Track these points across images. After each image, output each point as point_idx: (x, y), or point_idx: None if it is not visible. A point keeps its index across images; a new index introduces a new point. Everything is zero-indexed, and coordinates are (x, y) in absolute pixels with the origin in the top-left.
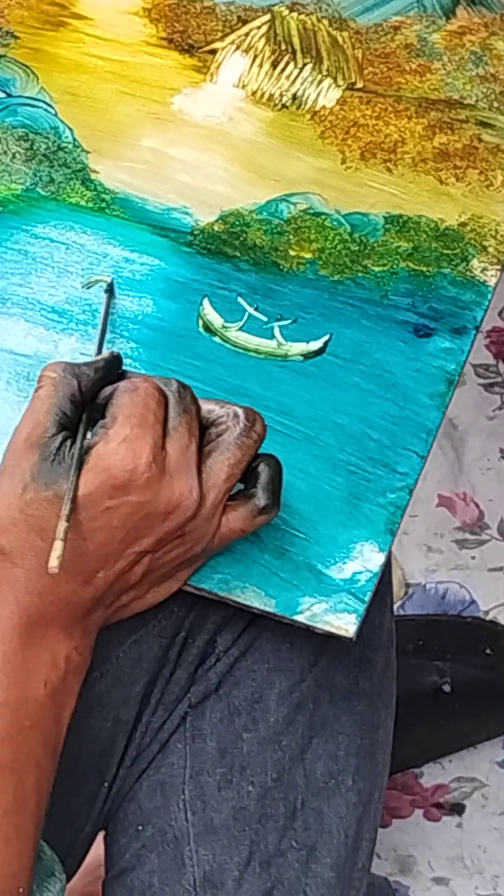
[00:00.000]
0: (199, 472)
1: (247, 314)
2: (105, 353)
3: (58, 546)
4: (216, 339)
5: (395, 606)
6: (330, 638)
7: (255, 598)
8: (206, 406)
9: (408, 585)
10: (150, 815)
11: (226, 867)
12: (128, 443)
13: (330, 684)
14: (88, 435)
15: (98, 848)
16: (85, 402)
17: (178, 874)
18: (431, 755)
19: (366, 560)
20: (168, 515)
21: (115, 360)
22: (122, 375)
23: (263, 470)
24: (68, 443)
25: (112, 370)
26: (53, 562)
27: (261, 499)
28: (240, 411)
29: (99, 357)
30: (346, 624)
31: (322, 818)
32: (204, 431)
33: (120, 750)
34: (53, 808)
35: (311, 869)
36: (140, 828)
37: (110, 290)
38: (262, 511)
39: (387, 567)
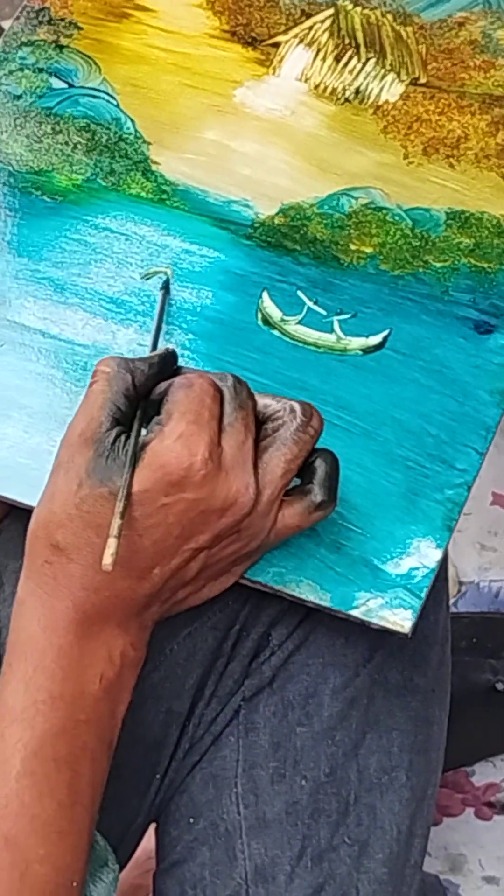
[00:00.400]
0: (256, 467)
1: (306, 308)
2: (160, 349)
3: (111, 544)
4: (275, 332)
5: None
6: (385, 634)
7: (310, 592)
8: (262, 401)
9: (461, 583)
10: (202, 807)
11: (277, 861)
12: (183, 439)
13: (384, 680)
14: (143, 431)
15: (148, 841)
16: (139, 398)
17: (229, 867)
18: (483, 753)
19: (423, 556)
20: (224, 512)
21: (170, 355)
22: (177, 371)
23: (320, 465)
24: (122, 438)
25: (167, 366)
26: (107, 559)
27: (317, 494)
28: (296, 406)
29: (154, 353)
30: (402, 620)
31: (375, 814)
32: (260, 426)
33: (172, 742)
34: (105, 799)
35: (363, 864)
36: (192, 820)
37: (166, 288)
38: (319, 507)
39: (443, 564)
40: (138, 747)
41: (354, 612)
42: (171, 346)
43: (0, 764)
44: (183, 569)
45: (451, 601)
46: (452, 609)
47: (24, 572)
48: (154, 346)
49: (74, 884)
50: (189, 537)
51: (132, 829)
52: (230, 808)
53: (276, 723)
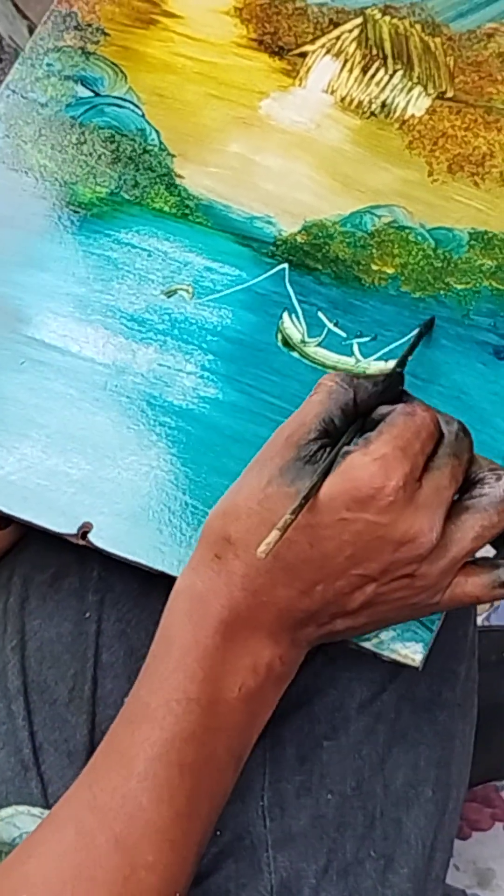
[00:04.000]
0: (448, 520)
1: (326, 330)
2: (392, 370)
3: (274, 534)
4: (294, 353)
5: (481, 618)
6: None
7: None
8: (479, 460)
9: None
10: (228, 820)
11: (303, 874)
12: (384, 461)
13: (412, 695)
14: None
15: None
16: (357, 415)
17: (254, 880)
18: None
19: None
20: (400, 546)
21: (398, 377)
22: (402, 395)
23: None
24: (327, 450)
25: (392, 387)
26: (262, 547)
27: None
28: None
29: (380, 372)
30: (412, 653)
31: (401, 828)
32: (470, 486)
33: None
34: None
35: (388, 879)
36: (218, 833)
37: (429, 326)
38: None
39: None
40: None
41: (366, 644)
42: (400, 370)
43: (124, 761)
44: (347, 595)
45: (484, 615)
46: (484, 623)
47: (191, 562)
48: (400, 365)
49: (177, 895)
50: (359, 562)
51: None
52: (256, 821)
53: (303, 737)
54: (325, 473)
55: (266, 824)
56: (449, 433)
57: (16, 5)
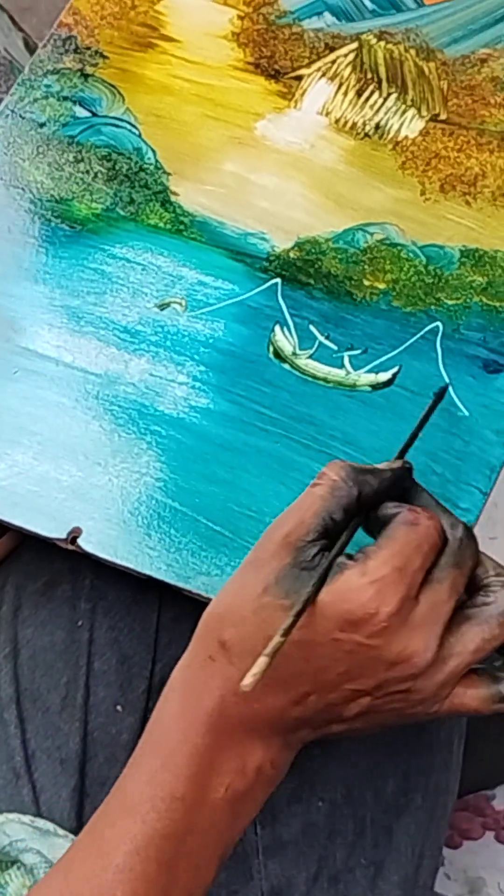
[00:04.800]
0: (448, 631)
1: (317, 342)
2: (398, 462)
3: (260, 662)
4: (285, 365)
5: None
6: None
7: None
8: (486, 562)
9: None
10: None
11: (293, 882)
12: (380, 586)
13: None
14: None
15: None
16: (361, 510)
17: (245, 887)
18: None
19: None
20: (393, 666)
21: (406, 472)
22: (410, 488)
23: None
24: (324, 555)
25: (400, 482)
26: (247, 679)
27: None
28: None
29: (387, 465)
30: None
31: (391, 835)
32: (473, 591)
33: None
34: None
35: (378, 886)
36: None
37: (440, 395)
38: None
39: None
40: None
41: None
42: (409, 462)
43: (102, 852)
44: (340, 706)
45: None
46: None
47: (185, 660)
48: (402, 453)
49: None
50: (353, 678)
51: None
52: (247, 829)
53: None
54: (318, 589)
55: (257, 831)
56: (453, 540)
57: (11, 18)
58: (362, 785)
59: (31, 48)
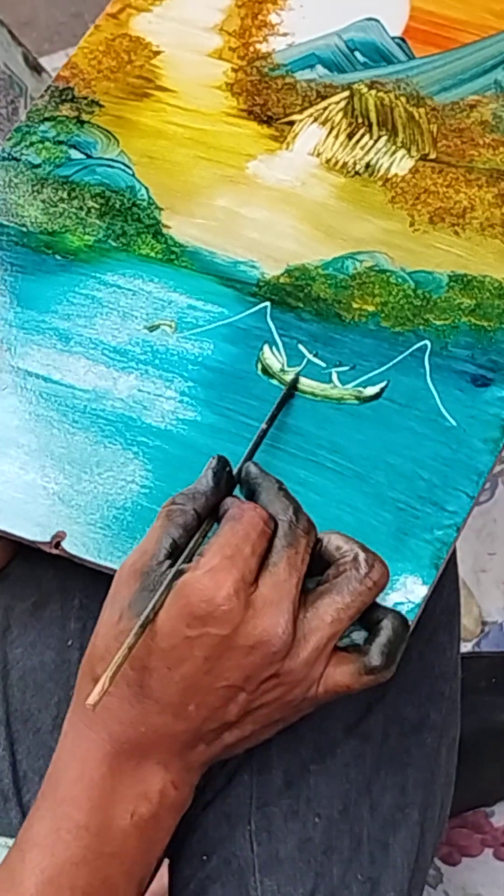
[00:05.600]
0: (303, 609)
1: (306, 360)
2: (211, 462)
3: (102, 680)
4: (273, 381)
5: (472, 644)
6: (398, 669)
7: None
8: (334, 542)
9: (484, 623)
10: (216, 844)
11: None
12: (212, 573)
13: (399, 717)
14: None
15: (161, 878)
16: (202, 522)
17: None
18: (502, 794)
19: (409, 591)
20: (251, 650)
21: (219, 466)
22: (258, 483)
23: (385, 627)
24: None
25: (222, 479)
26: (91, 698)
27: (374, 657)
28: (360, 554)
29: (208, 469)
30: None
31: (387, 851)
32: (327, 567)
33: None
34: None
35: None
36: (205, 857)
37: (290, 389)
38: (372, 671)
39: (455, 598)
40: None
41: (339, 643)
42: (218, 456)
43: (14, 883)
44: (221, 709)
45: (474, 641)
46: (475, 649)
47: (71, 706)
48: (250, 454)
49: None
50: (219, 674)
51: None
52: (243, 846)
53: (289, 760)
54: (161, 600)
55: (253, 848)
56: (283, 523)
57: (11, 33)
58: (359, 800)
59: (30, 63)
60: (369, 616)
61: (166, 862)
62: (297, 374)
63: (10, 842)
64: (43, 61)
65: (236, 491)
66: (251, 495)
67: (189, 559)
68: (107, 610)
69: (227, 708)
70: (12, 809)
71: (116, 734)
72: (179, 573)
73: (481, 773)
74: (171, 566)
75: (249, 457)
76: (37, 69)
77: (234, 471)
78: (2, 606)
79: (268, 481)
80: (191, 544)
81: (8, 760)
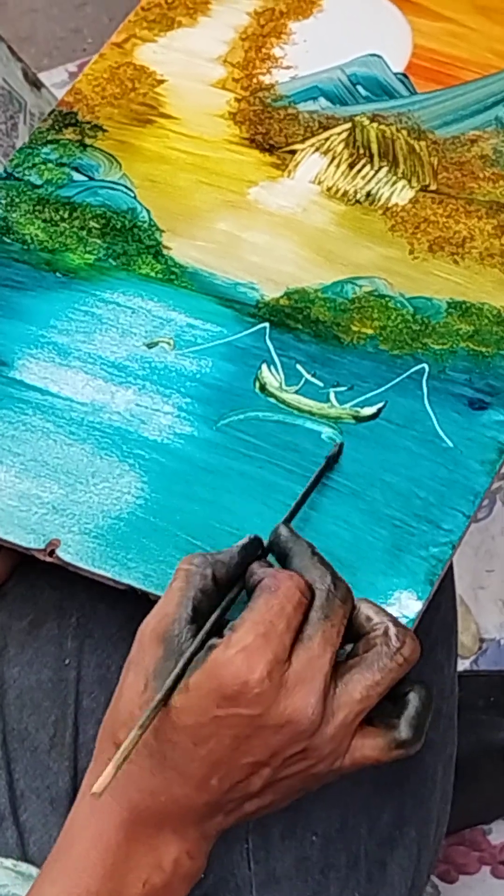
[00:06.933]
0: (333, 684)
1: (303, 379)
2: (244, 539)
3: (110, 767)
4: (271, 399)
5: (469, 661)
6: None
7: None
8: (365, 612)
9: (482, 640)
10: (213, 863)
11: None
12: (246, 653)
13: None
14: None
15: None
16: (221, 590)
17: None
18: (500, 812)
19: (403, 607)
20: (280, 729)
21: (252, 544)
22: (290, 548)
23: (412, 700)
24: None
25: (250, 553)
26: (98, 786)
27: (402, 731)
28: (391, 629)
29: (237, 544)
30: None
31: (385, 869)
32: (359, 638)
33: None
34: None
35: None
36: (202, 876)
37: (331, 461)
38: (402, 745)
39: (452, 616)
40: None
41: None
42: (255, 535)
43: None
44: (244, 782)
45: (472, 658)
46: (473, 666)
47: (91, 766)
48: (292, 515)
49: None
50: (246, 753)
51: None
52: (241, 864)
53: None
54: (181, 674)
55: (251, 866)
56: (320, 592)
57: (10, 48)
58: (357, 818)
59: (29, 78)
60: (395, 688)
61: None
62: (339, 446)
63: (6, 862)
64: (42, 77)
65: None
66: (282, 559)
67: (217, 630)
68: (130, 674)
69: (250, 781)
70: (9, 829)
71: (135, 801)
72: (210, 647)
73: (479, 791)
74: (195, 633)
75: (287, 519)
76: (36, 84)
77: (268, 539)
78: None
79: (299, 545)
80: (217, 612)
81: (4, 779)
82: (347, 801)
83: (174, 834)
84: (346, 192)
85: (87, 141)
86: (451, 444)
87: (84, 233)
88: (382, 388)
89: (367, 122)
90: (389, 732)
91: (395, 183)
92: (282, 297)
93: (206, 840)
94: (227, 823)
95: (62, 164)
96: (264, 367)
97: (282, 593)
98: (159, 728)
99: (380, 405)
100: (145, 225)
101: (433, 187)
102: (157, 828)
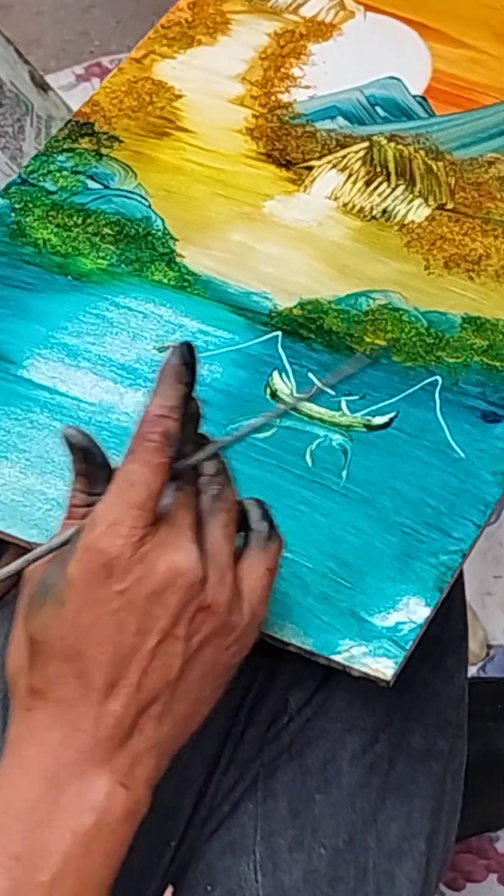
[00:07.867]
0: (198, 533)
1: (315, 387)
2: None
3: None
4: (281, 406)
5: (476, 668)
6: (405, 696)
7: (292, 636)
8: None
9: (489, 647)
10: (220, 875)
11: None
12: (108, 528)
13: (407, 745)
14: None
15: None
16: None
17: None
18: None
19: (411, 612)
20: (168, 588)
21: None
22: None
23: (250, 506)
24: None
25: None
26: None
27: (261, 529)
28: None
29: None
30: (384, 668)
31: (393, 882)
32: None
33: (188, 810)
34: None
35: None
36: (209, 888)
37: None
38: (270, 538)
39: (462, 625)
40: (149, 815)
41: (336, 658)
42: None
43: None
44: (158, 668)
45: (479, 665)
46: (480, 673)
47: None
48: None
49: None
50: (145, 630)
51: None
52: (248, 876)
53: (295, 790)
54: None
55: (258, 879)
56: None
57: (17, 51)
58: (365, 830)
59: (36, 81)
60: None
61: (170, 890)
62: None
63: None
64: (49, 79)
65: None
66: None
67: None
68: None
69: (165, 663)
70: None
71: (54, 744)
72: (78, 532)
73: (486, 798)
74: None
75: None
76: (43, 87)
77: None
78: (2, 635)
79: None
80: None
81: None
82: (355, 813)
83: (101, 767)
84: (362, 209)
85: (104, 151)
86: (462, 455)
87: (97, 239)
88: (395, 399)
89: (384, 141)
90: (252, 539)
91: (411, 201)
92: (295, 307)
93: (139, 765)
94: (161, 736)
95: (77, 172)
96: (276, 374)
97: (129, 472)
98: (69, 644)
99: (392, 415)
100: (159, 233)
101: (450, 206)
102: (80, 766)
